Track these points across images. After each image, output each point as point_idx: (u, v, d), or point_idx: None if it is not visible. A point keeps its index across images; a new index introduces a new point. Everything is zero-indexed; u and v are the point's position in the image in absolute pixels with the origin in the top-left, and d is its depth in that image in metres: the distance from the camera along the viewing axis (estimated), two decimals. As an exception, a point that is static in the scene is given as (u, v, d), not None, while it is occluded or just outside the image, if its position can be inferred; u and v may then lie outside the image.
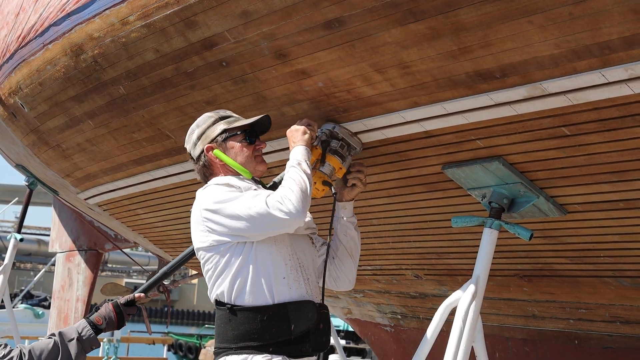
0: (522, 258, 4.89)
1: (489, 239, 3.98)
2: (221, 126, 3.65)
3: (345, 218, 3.89)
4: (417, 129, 3.91)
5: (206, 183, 3.62)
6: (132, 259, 15.67)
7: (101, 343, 18.72)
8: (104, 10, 4.26)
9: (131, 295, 3.86)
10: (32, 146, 6.30)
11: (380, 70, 3.65)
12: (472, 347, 3.93)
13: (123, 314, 3.81)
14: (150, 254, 10.61)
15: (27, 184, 7.95)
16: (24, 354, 3.54)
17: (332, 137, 4.01)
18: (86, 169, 6.16)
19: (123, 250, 10.82)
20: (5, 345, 3.56)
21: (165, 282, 11.88)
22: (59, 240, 10.29)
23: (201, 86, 4.32)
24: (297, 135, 3.71)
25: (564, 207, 4.12)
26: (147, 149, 5.30)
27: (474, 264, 4.00)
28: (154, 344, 23.29)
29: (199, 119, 3.73)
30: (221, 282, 3.43)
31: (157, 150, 5.27)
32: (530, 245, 4.53)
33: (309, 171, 3.52)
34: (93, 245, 10.10)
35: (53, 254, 11.00)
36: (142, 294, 3.94)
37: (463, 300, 3.86)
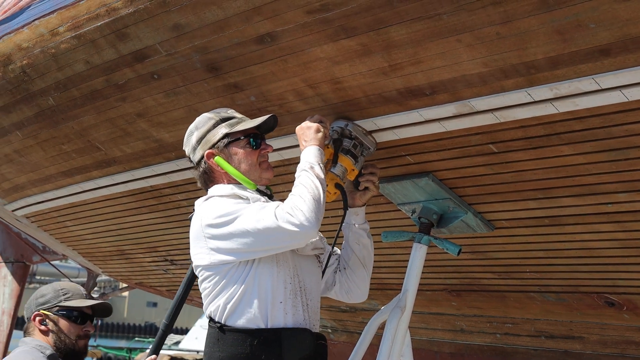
0: (450, 273, 4.94)
1: (418, 254, 3.99)
2: (223, 130, 3.30)
3: (357, 225, 3.59)
4: (348, 144, 3.92)
5: (206, 190, 3.33)
6: (60, 271, 15.42)
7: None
8: (33, 20, 4.20)
9: None
10: (-43, 156, 6.17)
11: (312, 86, 3.66)
12: (401, 361, 3.96)
13: None
14: (79, 266, 10.46)
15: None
16: None
17: (343, 136, 3.70)
18: (14, 180, 6.05)
19: (51, 262, 10.65)
20: None
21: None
22: (-15, 252, 10.09)
23: (132, 98, 4.28)
24: (309, 134, 3.36)
25: (491, 222, 4.18)
26: (76, 161, 5.24)
27: (404, 278, 4.04)
28: (82, 357, 22.95)
29: (197, 120, 3.38)
30: (217, 300, 3.14)
31: (86, 162, 5.20)
32: (459, 260, 4.58)
33: (322, 176, 3.19)
34: (20, 257, 9.94)
35: (-21, 266, 10.78)
36: (154, 356, 3.74)
37: (392, 315, 3.88)
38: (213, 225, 3.10)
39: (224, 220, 3.08)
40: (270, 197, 3.33)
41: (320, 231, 3.50)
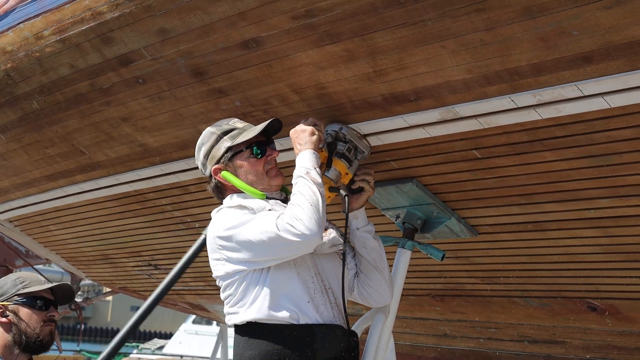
0: (434, 278, 4.95)
1: (402, 259, 4.01)
2: (225, 144, 3.31)
3: (359, 228, 3.51)
4: (332, 149, 3.93)
5: (221, 201, 3.37)
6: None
7: (10, 362, 18.19)
8: (18, 23, 4.19)
9: None
10: (-60, 160, 6.14)
11: (297, 91, 3.67)
12: (385, 365, 3.97)
13: None
14: (63, 270, 10.41)
15: None
16: None
17: (337, 139, 3.68)
18: (-3, 183, 6.03)
19: (34, 266, 10.61)
20: None
21: (78, 300, 11.67)
22: (-33, 256, 10.04)
23: (117, 102, 4.27)
24: (303, 137, 3.33)
25: (475, 228, 4.20)
26: (60, 165, 5.22)
27: (387, 283, 4.04)
28: (65, 362, 22.83)
29: (202, 135, 3.40)
30: (239, 308, 3.17)
31: (70, 166, 5.19)
32: (443, 265, 4.60)
33: (320, 180, 3.17)
34: (2, 261, 9.90)
35: (-39, 270, 10.71)
36: None
37: (376, 320, 3.89)
38: (222, 237, 3.16)
39: (231, 233, 3.13)
40: (285, 201, 3.32)
41: None
